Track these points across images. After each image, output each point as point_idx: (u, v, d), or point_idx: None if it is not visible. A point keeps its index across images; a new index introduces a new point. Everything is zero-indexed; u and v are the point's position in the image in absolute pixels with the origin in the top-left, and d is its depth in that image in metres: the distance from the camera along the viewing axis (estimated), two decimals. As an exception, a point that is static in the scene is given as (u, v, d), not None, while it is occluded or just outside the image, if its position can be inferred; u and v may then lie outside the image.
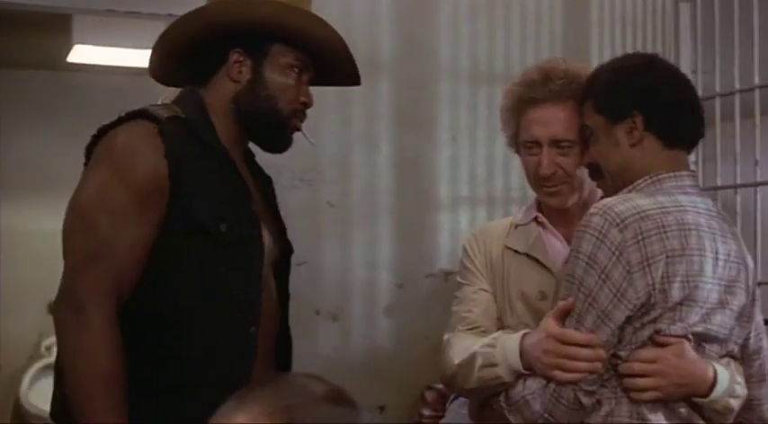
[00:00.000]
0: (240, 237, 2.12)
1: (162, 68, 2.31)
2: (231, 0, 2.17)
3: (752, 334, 2.10)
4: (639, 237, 1.90)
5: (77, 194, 2.07)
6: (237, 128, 2.21)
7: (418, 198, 3.70)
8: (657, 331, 1.93)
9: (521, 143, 2.31)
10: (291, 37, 2.19)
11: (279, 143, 2.28)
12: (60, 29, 4.68)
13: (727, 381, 2.00)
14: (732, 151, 3.74)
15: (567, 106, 2.21)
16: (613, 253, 1.90)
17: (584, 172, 2.24)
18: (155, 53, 2.29)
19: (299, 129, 2.27)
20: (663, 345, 1.94)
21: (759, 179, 3.71)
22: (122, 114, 2.12)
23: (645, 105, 2.05)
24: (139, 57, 4.98)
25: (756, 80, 3.71)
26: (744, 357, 2.09)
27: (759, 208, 3.66)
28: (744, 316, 2.04)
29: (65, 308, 2.01)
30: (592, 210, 1.97)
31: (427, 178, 3.73)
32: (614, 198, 1.99)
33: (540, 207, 2.35)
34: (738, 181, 3.77)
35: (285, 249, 2.37)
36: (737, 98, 3.78)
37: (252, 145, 2.36)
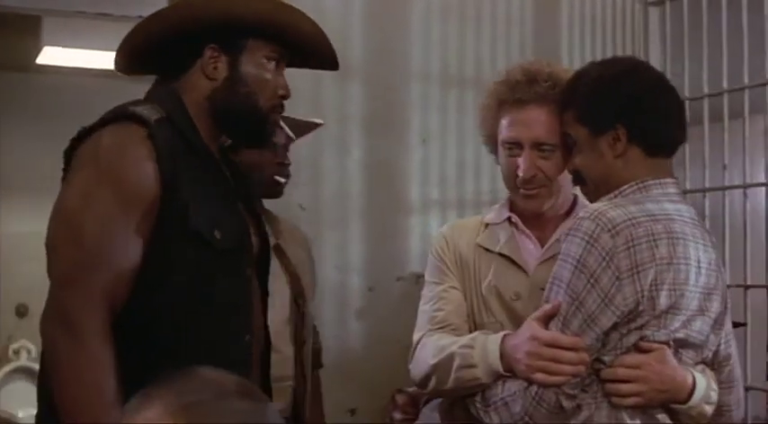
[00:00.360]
0: (233, 242, 2.06)
1: (128, 66, 2.24)
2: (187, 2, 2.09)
3: (722, 341, 2.11)
4: (630, 244, 1.90)
5: (63, 201, 1.97)
6: (213, 125, 2.13)
7: (389, 202, 3.71)
8: (643, 338, 1.94)
9: (501, 143, 2.28)
10: (268, 30, 2.13)
11: (259, 139, 2.23)
12: (30, 31, 4.65)
13: (704, 388, 2.01)
14: (701, 155, 3.77)
15: (550, 109, 2.19)
16: (603, 259, 1.90)
17: (563, 178, 2.23)
18: (120, 52, 2.20)
19: (277, 124, 2.23)
20: (646, 351, 1.95)
21: (727, 183, 3.74)
22: (105, 115, 2.03)
23: (627, 117, 2.04)
24: (109, 59, 4.93)
25: (725, 84, 3.73)
26: (714, 363, 2.10)
27: (727, 212, 3.69)
28: (717, 323, 2.06)
29: (56, 324, 1.89)
30: (582, 214, 1.97)
31: (398, 181, 3.74)
32: (605, 203, 1.99)
33: (512, 207, 2.33)
34: (707, 185, 3.80)
35: (264, 245, 2.31)
36: (706, 102, 3.81)
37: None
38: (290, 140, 2.91)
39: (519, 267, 2.25)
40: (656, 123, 2.05)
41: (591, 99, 2.09)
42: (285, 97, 2.20)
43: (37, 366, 3.56)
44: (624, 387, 1.94)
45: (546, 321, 1.97)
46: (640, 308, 1.90)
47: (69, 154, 2.04)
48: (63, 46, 4.74)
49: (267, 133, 2.21)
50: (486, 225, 2.34)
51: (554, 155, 2.20)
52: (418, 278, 3.39)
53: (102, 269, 1.90)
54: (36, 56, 5.00)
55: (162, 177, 1.94)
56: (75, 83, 5.53)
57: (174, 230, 1.96)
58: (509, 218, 2.31)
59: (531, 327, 1.98)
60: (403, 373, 3.23)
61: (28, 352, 6.05)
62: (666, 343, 1.96)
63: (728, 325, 2.13)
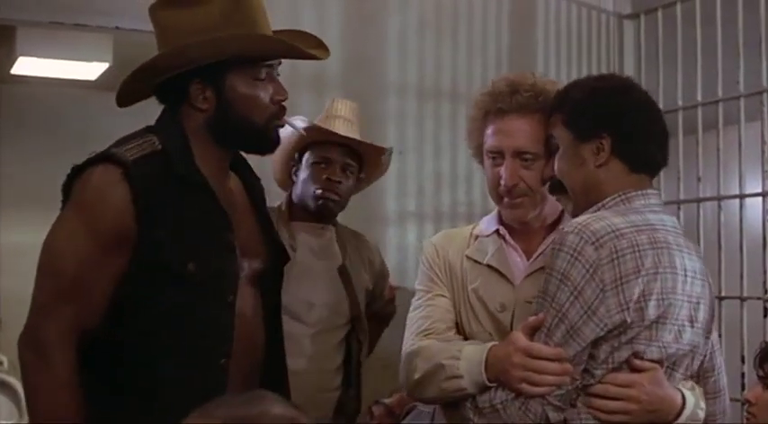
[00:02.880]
0: (211, 272, 2.11)
1: (130, 99, 2.29)
2: (179, 50, 2.12)
3: (708, 351, 2.11)
4: (614, 255, 1.90)
5: (51, 237, 2.09)
6: (217, 148, 2.19)
7: (366, 213, 3.70)
8: (635, 353, 1.94)
9: (485, 153, 2.29)
10: (246, 61, 2.16)
11: (265, 146, 2.26)
12: (4, 41, 4.62)
13: (692, 406, 2.02)
14: (675, 167, 3.80)
15: (533, 119, 2.20)
16: (587, 271, 1.90)
17: (546, 189, 2.24)
18: (118, 99, 2.26)
19: (281, 126, 2.25)
20: (638, 369, 1.95)
21: (701, 195, 3.77)
22: (91, 155, 2.11)
23: (615, 129, 2.05)
24: (84, 70, 4.94)
25: (699, 97, 3.77)
26: (699, 373, 2.10)
27: (702, 224, 3.72)
28: (706, 332, 2.06)
29: (29, 349, 2.04)
30: (567, 228, 1.97)
31: (375, 192, 3.73)
32: (589, 216, 1.99)
33: (501, 220, 2.34)
34: (681, 197, 3.83)
35: (276, 258, 2.35)
36: (680, 115, 3.84)
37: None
38: (348, 164, 3.04)
39: (506, 279, 2.26)
40: (642, 141, 2.06)
41: (581, 105, 2.10)
42: (283, 100, 2.22)
43: (9, 378, 3.55)
44: (612, 404, 1.94)
45: (531, 333, 1.98)
46: (628, 320, 1.90)
47: (65, 189, 2.13)
48: (38, 56, 4.73)
49: (272, 142, 2.24)
50: (476, 237, 2.35)
51: (536, 165, 2.21)
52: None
53: (75, 303, 2.03)
54: (11, 66, 4.98)
55: (137, 214, 2.04)
56: (49, 93, 5.51)
57: (149, 263, 2.05)
58: (497, 231, 2.32)
59: (516, 338, 1.99)
60: (379, 384, 3.24)
61: (0, 363, 6.01)
62: (660, 361, 1.97)
63: (714, 335, 2.14)
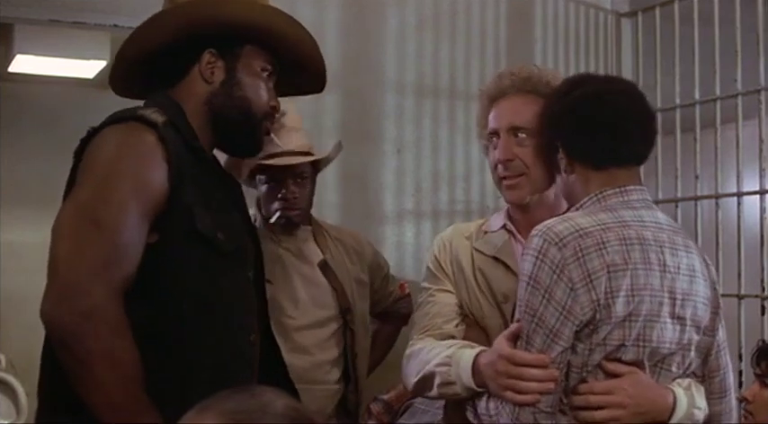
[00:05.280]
0: (236, 244, 2.11)
1: (124, 77, 2.24)
2: (200, 1, 2.13)
3: (713, 350, 2.08)
4: (579, 254, 1.90)
5: (77, 195, 1.95)
6: (211, 132, 2.17)
7: (364, 211, 3.71)
8: (609, 355, 1.92)
9: (487, 139, 2.33)
10: (264, 36, 2.18)
11: (251, 146, 2.26)
12: (2, 39, 4.62)
13: (686, 406, 2.00)
14: (673, 165, 3.81)
15: (526, 99, 2.24)
16: (554, 272, 1.90)
17: (547, 176, 2.25)
18: (119, 60, 2.21)
19: (269, 133, 2.26)
20: (616, 374, 1.94)
21: (699, 193, 3.77)
22: (112, 116, 2.04)
23: (561, 133, 2.07)
24: (82, 68, 4.94)
25: (697, 95, 3.77)
26: (704, 372, 2.09)
27: (699, 222, 3.73)
28: (709, 329, 2.04)
29: (85, 320, 1.83)
30: (533, 232, 1.98)
31: (373, 191, 3.74)
32: (555, 218, 2.00)
33: (509, 216, 2.36)
34: (679, 195, 3.83)
35: (257, 250, 2.35)
36: (678, 113, 3.85)
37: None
38: (300, 173, 3.02)
39: (511, 271, 2.26)
40: (586, 135, 2.04)
41: (543, 119, 2.15)
42: (276, 109, 2.25)
43: (8, 377, 3.54)
44: (598, 414, 1.92)
45: (513, 340, 1.97)
46: (598, 317, 1.89)
47: (79, 155, 2.04)
48: (35, 54, 4.72)
49: (259, 140, 2.24)
50: (485, 232, 2.36)
51: (530, 143, 2.22)
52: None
53: (121, 261, 1.90)
54: (8, 64, 4.97)
55: (171, 177, 1.97)
56: (47, 91, 5.50)
57: (181, 231, 1.99)
58: (504, 226, 2.33)
59: (499, 346, 1.99)
60: (378, 381, 3.25)
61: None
62: (637, 362, 1.95)
63: (721, 333, 2.10)
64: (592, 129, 2.04)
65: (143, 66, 2.19)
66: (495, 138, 2.27)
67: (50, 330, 1.87)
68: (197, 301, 2.01)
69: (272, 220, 3.01)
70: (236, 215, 2.19)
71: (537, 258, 1.92)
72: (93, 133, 2.02)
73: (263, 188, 3.04)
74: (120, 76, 2.23)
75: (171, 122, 2.05)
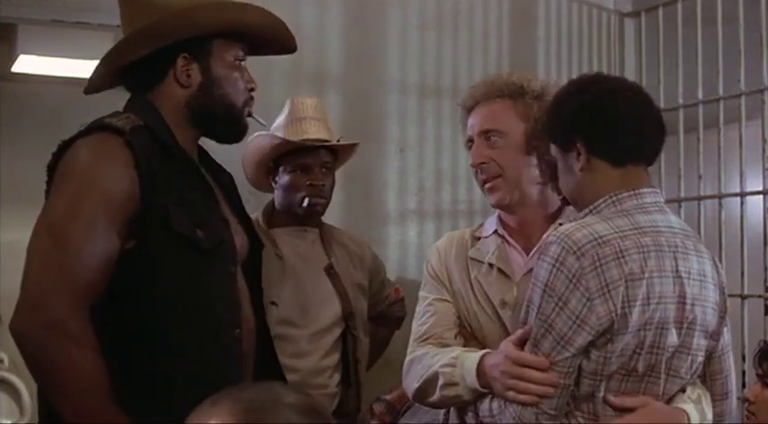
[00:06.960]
0: (216, 241, 2.13)
1: (101, 83, 2.31)
2: (172, 15, 2.16)
3: (717, 353, 2.08)
4: (597, 264, 1.89)
5: (47, 211, 2.03)
6: (193, 130, 2.23)
7: (366, 211, 3.71)
8: (621, 367, 1.92)
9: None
10: (233, 33, 2.23)
11: (236, 133, 2.30)
12: (5, 39, 4.62)
13: (698, 421, 2.01)
14: (676, 165, 3.80)
15: (493, 104, 2.30)
16: (570, 281, 1.90)
17: (526, 173, 2.27)
18: (98, 71, 2.29)
19: (250, 115, 2.30)
20: (623, 408, 1.93)
21: (702, 193, 3.77)
22: (81, 128, 2.10)
23: (582, 130, 2.04)
24: (85, 68, 4.93)
25: (700, 95, 3.77)
26: (707, 374, 2.09)
27: (702, 222, 3.72)
28: (715, 333, 2.04)
29: (47, 332, 1.92)
30: (550, 238, 1.97)
31: (376, 190, 3.74)
32: (572, 224, 1.98)
33: (501, 221, 2.37)
34: (682, 195, 3.83)
35: (254, 244, 2.38)
36: (681, 113, 3.84)
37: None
38: (325, 163, 3.07)
39: (506, 276, 2.27)
40: (612, 132, 2.03)
41: (551, 117, 2.13)
42: (253, 90, 2.29)
43: (9, 376, 3.54)
44: None
45: (521, 343, 1.99)
46: (615, 326, 1.88)
47: (51, 169, 2.10)
48: (39, 54, 4.72)
49: (243, 126, 2.29)
50: (477, 238, 2.37)
51: (502, 144, 2.27)
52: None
53: (85, 272, 1.96)
54: (11, 64, 4.97)
55: (141, 182, 2.02)
56: (50, 91, 5.50)
57: (158, 232, 2.03)
58: (496, 231, 2.34)
59: (506, 347, 2.01)
60: (380, 381, 3.24)
61: (0, 361, 5.99)
62: (651, 369, 1.94)
63: (726, 337, 2.10)
64: (615, 126, 2.04)
65: (123, 72, 2.25)
66: (471, 146, 2.33)
67: (18, 343, 1.95)
68: (178, 299, 2.05)
69: (303, 205, 3.02)
70: (218, 212, 2.21)
71: (554, 265, 1.92)
72: (63, 147, 2.08)
73: (286, 178, 3.05)
74: (98, 83, 2.30)
75: (145, 126, 2.10)
